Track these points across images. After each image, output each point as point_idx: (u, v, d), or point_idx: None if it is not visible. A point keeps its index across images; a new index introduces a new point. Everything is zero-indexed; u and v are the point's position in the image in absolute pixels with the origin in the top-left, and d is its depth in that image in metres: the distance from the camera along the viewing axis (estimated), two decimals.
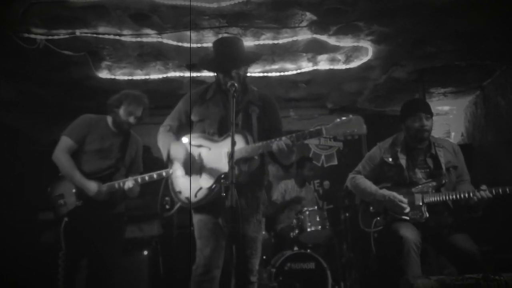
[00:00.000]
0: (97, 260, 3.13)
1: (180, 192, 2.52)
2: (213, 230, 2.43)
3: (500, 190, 2.69)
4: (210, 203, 2.44)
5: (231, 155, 2.11)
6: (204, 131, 2.55)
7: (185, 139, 2.59)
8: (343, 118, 2.31)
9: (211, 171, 2.45)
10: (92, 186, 3.05)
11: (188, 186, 2.49)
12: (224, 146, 2.43)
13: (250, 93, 2.61)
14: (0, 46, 3.71)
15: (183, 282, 2.68)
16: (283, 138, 2.32)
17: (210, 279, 2.37)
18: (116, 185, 3.12)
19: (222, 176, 2.39)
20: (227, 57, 2.48)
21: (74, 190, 3.09)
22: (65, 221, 3.03)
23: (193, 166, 2.49)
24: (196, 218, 2.54)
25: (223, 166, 2.39)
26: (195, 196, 2.46)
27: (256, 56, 2.86)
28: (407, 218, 2.96)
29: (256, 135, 2.51)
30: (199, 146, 2.52)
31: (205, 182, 2.44)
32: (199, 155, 2.49)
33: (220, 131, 2.51)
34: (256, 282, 2.50)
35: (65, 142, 3.14)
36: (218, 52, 2.54)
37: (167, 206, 4.73)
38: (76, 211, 3.07)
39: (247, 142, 2.40)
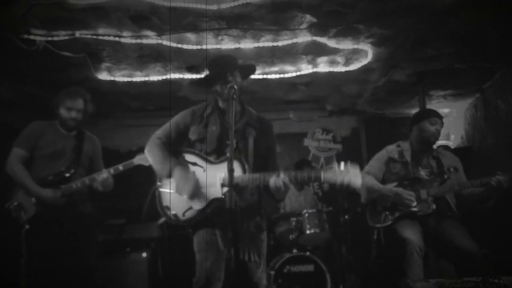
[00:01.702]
0: (69, 264, 3.10)
1: (167, 208, 2.49)
2: (212, 242, 2.42)
3: (509, 175, 2.86)
4: (205, 221, 2.44)
5: (230, 159, 2.11)
6: (202, 150, 2.54)
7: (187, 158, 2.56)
8: (342, 165, 2.31)
9: (203, 194, 2.44)
10: (46, 193, 3.07)
11: (177, 203, 2.47)
12: (219, 170, 2.44)
13: (248, 114, 2.62)
14: (0, 47, 3.71)
15: (182, 283, 2.68)
16: (281, 175, 2.31)
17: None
18: (74, 186, 3.15)
19: (213, 200, 2.38)
20: (221, 64, 2.53)
21: (33, 199, 3.08)
22: (26, 229, 2.99)
23: (185, 184, 2.45)
24: (194, 232, 2.53)
25: (216, 191, 2.41)
26: (183, 215, 2.45)
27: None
28: (416, 209, 3.09)
29: (252, 159, 2.50)
30: (194, 164, 2.51)
31: (195, 203, 2.44)
32: (193, 173, 2.47)
33: (218, 150, 2.50)
34: None
35: (17, 152, 3.17)
36: (212, 65, 2.58)
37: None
38: (37, 217, 3.06)
39: (244, 170, 2.40)
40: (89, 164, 3.38)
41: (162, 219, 2.59)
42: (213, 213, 2.41)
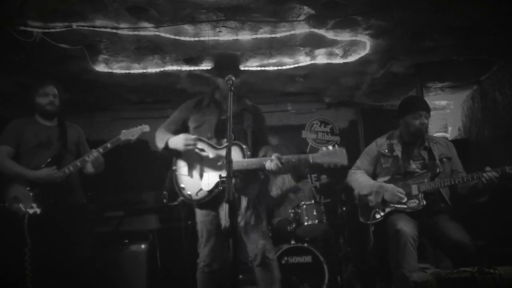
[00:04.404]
0: (64, 255, 3.11)
1: (183, 188, 2.82)
2: (213, 230, 2.78)
3: (499, 171, 2.81)
4: (212, 201, 2.77)
5: (228, 150, 2.26)
6: (201, 136, 2.84)
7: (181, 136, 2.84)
8: (330, 148, 2.55)
9: (210, 176, 2.76)
10: (44, 172, 3.11)
11: (191, 185, 2.81)
12: (223, 155, 2.71)
13: (244, 102, 2.99)
14: None
15: (180, 275, 2.79)
16: (274, 159, 2.59)
17: (212, 271, 2.77)
18: (67, 170, 3.19)
19: (220, 183, 2.63)
20: (228, 63, 2.89)
21: (28, 188, 3.10)
22: (27, 216, 3.01)
23: (195, 168, 2.81)
24: (199, 218, 2.87)
25: (222, 174, 2.66)
26: (196, 195, 2.78)
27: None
28: (405, 206, 3.03)
29: (250, 143, 2.85)
30: (202, 150, 2.82)
31: (205, 184, 2.75)
32: (202, 158, 2.80)
33: (216, 135, 2.83)
34: (274, 259, 2.83)
35: (3, 149, 3.19)
36: (219, 61, 2.99)
37: (165, 200, 4.81)
38: (35, 207, 3.07)
39: (243, 155, 2.71)
40: (77, 151, 3.43)
41: (180, 199, 2.86)
42: (221, 194, 2.70)
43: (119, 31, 3.77)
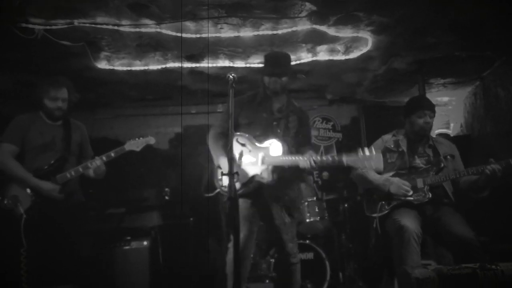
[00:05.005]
0: (63, 255, 3.10)
1: (220, 180, 2.91)
2: (247, 218, 2.83)
3: (504, 163, 2.87)
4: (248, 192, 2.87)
5: (229, 147, 2.33)
6: (251, 132, 2.93)
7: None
8: (366, 153, 2.56)
9: (246, 170, 2.86)
10: (45, 185, 3.08)
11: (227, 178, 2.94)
12: (261, 151, 2.86)
13: (292, 105, 3.09)
14: None
15: (182, 271, 2.77)
16: (308, 157, 2.68)
17: (243, 257, 2.83)
18: (68, 175, 3.17)
19: (254, 176, 2.81)
20: (278, 63, 2.96)
21: (28, 189, 3.08)
22: (24, 218, 2.99)
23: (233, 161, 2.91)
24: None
25: (257, 169, 2.84)
26: None
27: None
28: (411, 199, 3.11)
29: (293, 140, 2.94)
30: (243, 145, 2.92)
31: (241, 177, 2.79)
32: (241, 152, 2.85)
33: (266, 133, 2.92)
34: (298, 263, 2.92)
35: (6, 148, 3.15)
36: (270, 61, 3.01)
37: (166, 197, 4.86)
38: (34, 207, 3.06)
39: (283, 151, 2.83)
40: (79, 152, 3.40)
41: (216, 190, 2.96)
42: (254, 188, 2.85)
43: (121, 28, 3.77)
